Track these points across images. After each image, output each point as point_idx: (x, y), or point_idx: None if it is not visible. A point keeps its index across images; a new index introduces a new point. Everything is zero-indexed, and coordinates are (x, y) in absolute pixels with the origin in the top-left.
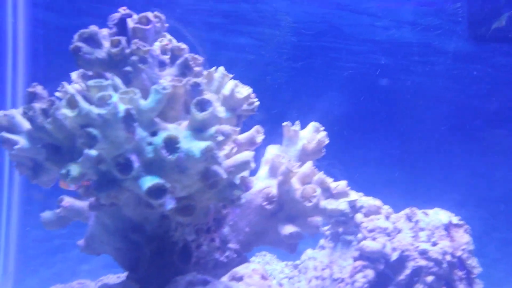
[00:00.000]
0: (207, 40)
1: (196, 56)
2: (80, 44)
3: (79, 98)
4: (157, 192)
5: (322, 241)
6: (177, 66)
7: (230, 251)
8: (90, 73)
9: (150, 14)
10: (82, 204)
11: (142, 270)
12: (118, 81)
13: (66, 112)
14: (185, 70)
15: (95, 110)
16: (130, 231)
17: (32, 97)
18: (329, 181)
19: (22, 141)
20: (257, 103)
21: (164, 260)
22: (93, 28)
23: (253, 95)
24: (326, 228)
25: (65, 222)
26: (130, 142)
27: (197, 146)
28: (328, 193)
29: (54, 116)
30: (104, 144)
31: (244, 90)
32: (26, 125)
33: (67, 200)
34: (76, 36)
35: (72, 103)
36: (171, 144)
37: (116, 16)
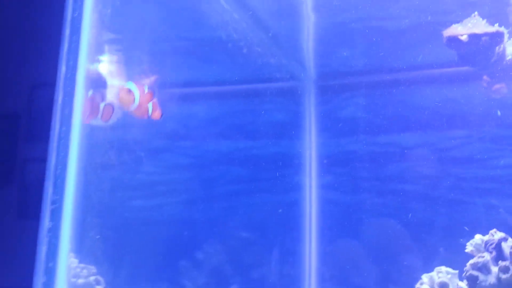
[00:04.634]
0: None
1: None
2: (476, 273)
3: None
4: None
5: None
6: None
7: None
8: None
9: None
10: None
11: None
12: None
13: None
14: None
15: None
16: None
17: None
18: None
19: None
20: None
21: None
22: (485, 257)
23: None
24: None
25: None
26: None
27: None
28: None
29: None
30: None
31: None
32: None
33: None
34: (468, 265)
35: None
36: None
37: (494, 240)
